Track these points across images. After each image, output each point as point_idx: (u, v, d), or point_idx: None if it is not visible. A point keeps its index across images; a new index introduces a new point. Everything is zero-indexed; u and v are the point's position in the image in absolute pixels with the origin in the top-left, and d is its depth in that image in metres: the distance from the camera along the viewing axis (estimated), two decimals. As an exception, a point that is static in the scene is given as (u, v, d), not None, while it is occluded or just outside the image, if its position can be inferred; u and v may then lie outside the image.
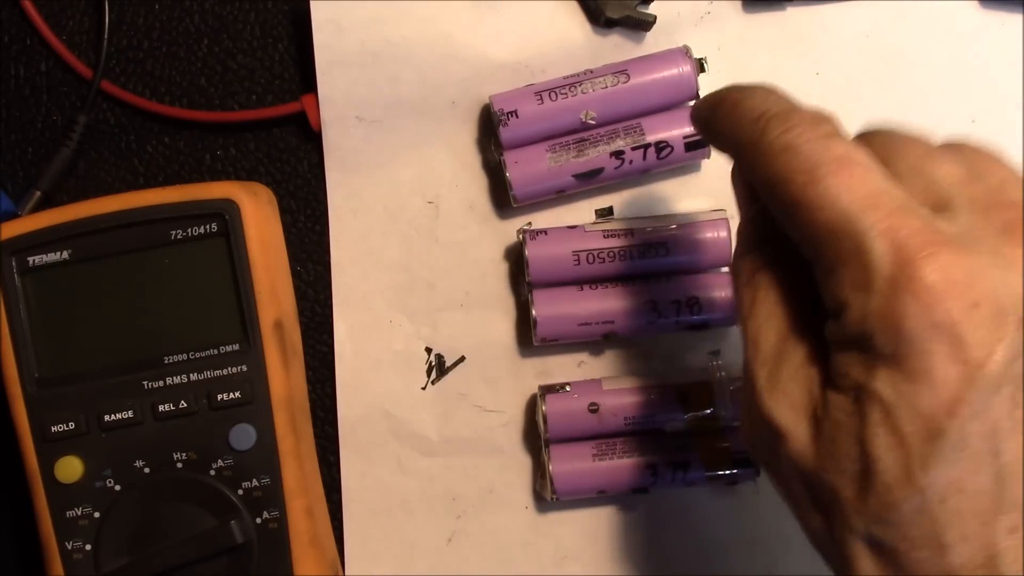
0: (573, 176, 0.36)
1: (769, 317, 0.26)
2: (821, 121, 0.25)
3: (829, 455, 0.24)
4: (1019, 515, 0.23)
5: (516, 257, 0.38)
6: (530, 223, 0.37)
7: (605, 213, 0.37)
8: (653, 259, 0.36)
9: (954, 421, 0.22)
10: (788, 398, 0.25)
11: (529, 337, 0.37)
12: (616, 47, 0.37)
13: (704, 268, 0.36)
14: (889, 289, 0.23)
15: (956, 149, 0.26)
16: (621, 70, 0.36)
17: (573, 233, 0.36)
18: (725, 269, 0.37)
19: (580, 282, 0.37)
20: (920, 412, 0.22)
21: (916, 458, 0.23)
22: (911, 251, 0.23)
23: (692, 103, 0.36)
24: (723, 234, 0.36)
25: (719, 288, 0.36)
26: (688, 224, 0.36)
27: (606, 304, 0.36)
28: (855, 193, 0.24)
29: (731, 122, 0.27)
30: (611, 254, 0.36)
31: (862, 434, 0.23)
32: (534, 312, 0.36)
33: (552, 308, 0.36)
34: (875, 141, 0.26)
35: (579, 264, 0.36)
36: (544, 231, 0.37)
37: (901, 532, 0.23)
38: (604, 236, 0.36)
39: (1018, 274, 0.23)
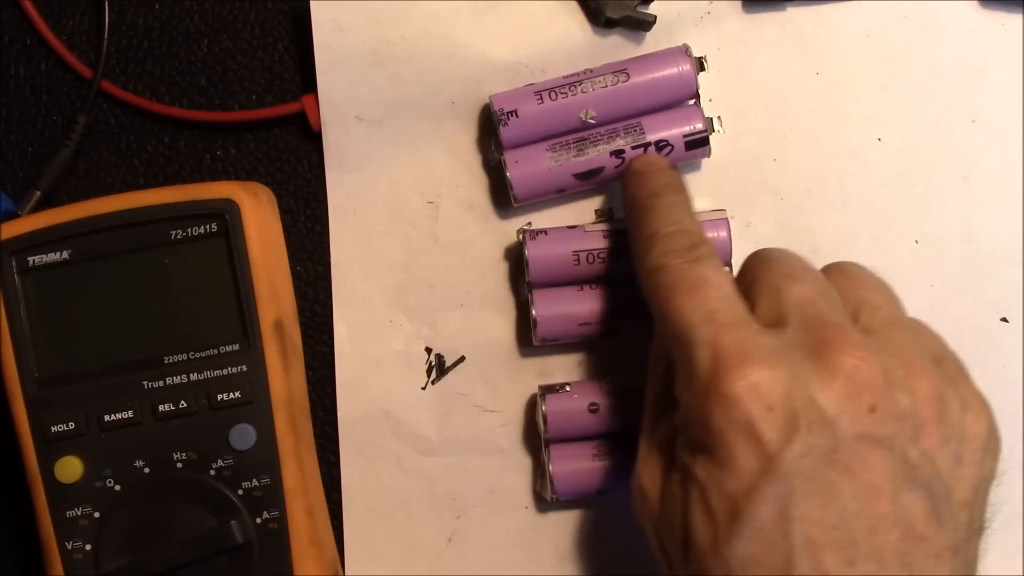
0: (573, 175, 0.36)
1: (655, 399, 0.31)
2: (694, 246, 0.31)
3: (666, 521, 0.29)
4: None
5: (516, 257, 0.38)
6: (530, 223, 0.37)
7: (604, 213, 0.37)
8: None
9: (750, 504, 0.26)
10: (652, 468, 0.30)
11: (529, 337, 0.37)
12: (616, 47, 0.37)
13: None
14: (704, 391, 0.27)
15: (831, 270, 0.31)
16: (621, 69, 0.36)
17: (573, 233, 0.36)
18: (726, 269, 0.36)
19: (580, 282, 0.37)
20: (726, 494, 0.27)
21: (722, 532, 0.27)
22: (724, 361, 0.27)
23: (691, 101, 0.36)
24: (723, 234, 0.36)
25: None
26: None
27: (606, 304, 0.36)
28: (698, 310, 0.29)
29: (631, 224, 0.33)
30: (611, 254, 0.36)
31: (685, 508, 0.28)
32: (534, 312, 0.36)
33: (552, 308, 0.36)
34: (753, 262, 0.31)
35: (579, 264, 0.36)
36: (544, 231, 0.37)
37: None
38: (604, 236, 0.36)
39: (816, 384, 0.27)
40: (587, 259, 0.36)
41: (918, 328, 0.31)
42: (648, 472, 0.30)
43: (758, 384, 0.27)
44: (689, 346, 0.28)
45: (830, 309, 0.28)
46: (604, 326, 0.36)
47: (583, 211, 0.38)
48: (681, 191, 0.34)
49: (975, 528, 0.28)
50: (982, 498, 0.29)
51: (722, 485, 0.27)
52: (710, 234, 0.36)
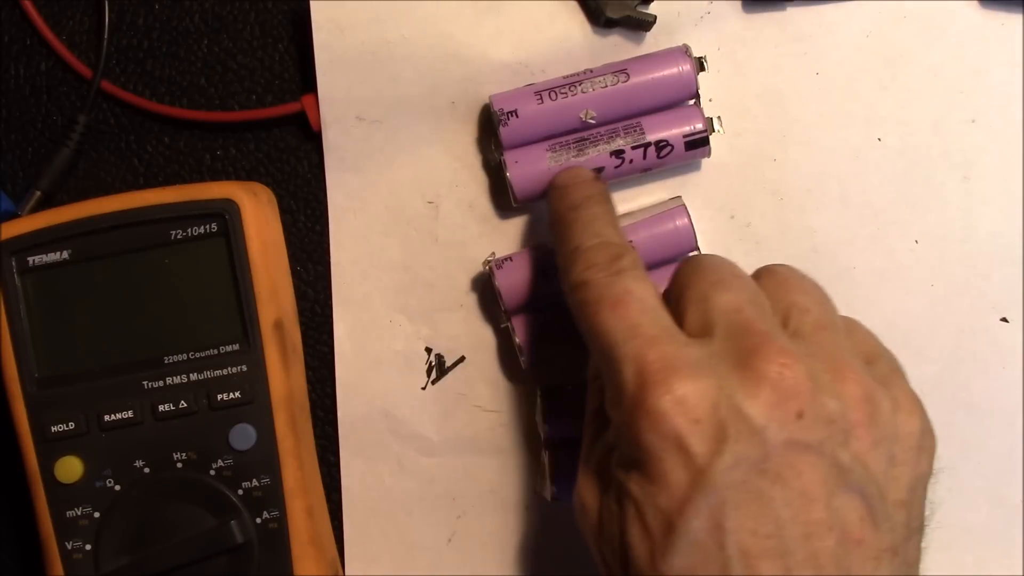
0: (573, 176, 0.36)
1: (593, 415, 0.31)
2: (616, 258, 0.30)
3: (604, 536, 0.29)
4: None
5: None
6: (493, 253, 0.37)
7: None
8: None
9: (683, 518, 0.26)
10: (591, 484, 0.30)
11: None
12: (616, 47, 0.37)
13: (673, 259, 0.36)
14: (631, 406, 0.27)
15: (761, 274, 0.31)
16: (621, 69, 0.36)
17: (537, 252, 0.36)
18: (693, 253, 0.36)
19: (555, 300, 0.36)
20: (660, 509, 0.26)
21: (658, 548, 0.26)
22: (649, 376, 0.27)
23: (690, 101, 0.36)
24: (683, 221, 0.36)
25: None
26: (648, 219, 0.36)
27: None
28: (621, 324, 0.28)
29: (554, 239, 0.33)
30: None
31: (622, 524, 0.28)
32: (518, 340, 0.36)
33: (534, 332, 0.36)
34: (684, 269, 0.31)
35: (550, 283, 0.36)
36: (509, 258, 0.36)
37: None
38: None
39: (742, 393, 0.26)
40: (556, 275, 0.36)
41: (851, 329, 0.30)
42: (588, 488, 0.30)
43: (684, 397, 0.26)
44: (615, 362, 0.28)
45: (757, 316, 0.28)
46: None
47: (543, 226, 0.38)
48: (603, 203, 0.33)
49: (914, 527, 0.28)
50: (919, 497, 0.29)
51: (655, 500, 0.27)
52: (670, 225, 0.36)
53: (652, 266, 0.36)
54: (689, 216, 0.36)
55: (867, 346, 0.30)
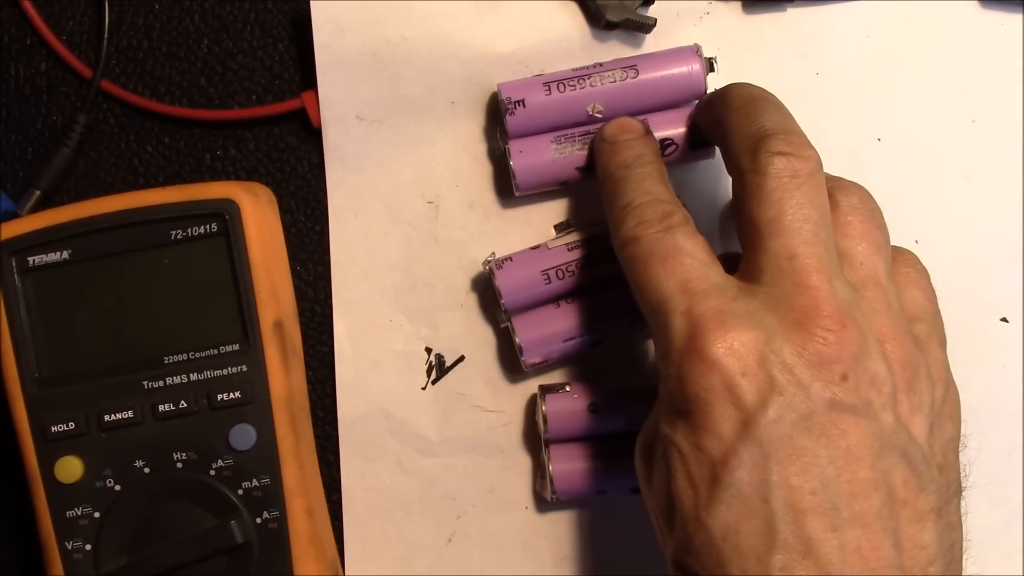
0: (577, 168, 0.36)
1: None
2: (667, 215, 0.30)
3: (652, 490, 0.29)
4: (789, 556, 0.26)
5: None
6: (493, 253, 0.37)
7: (564, 227, 0.37)
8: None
9: (727, 469, 0.26)
10: (644, 438, 0.31)
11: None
12: (616, 49, 0.37)
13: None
14: (680, 359, 0.28)
15: (834, 194, 0.31)
16: (630, 65, 0.36)
17: (537, 253, 0.36)
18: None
19: (555, 299, 0.36)
20: (705, 459, 0.27)
21: (702, 499, 0.27)
22: (700, 327, 0.27)
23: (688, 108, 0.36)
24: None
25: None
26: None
27: (586, 315, 0.36)
28: (672, 279, 0.29)
29: (605, 195, 0.33)
30: (579, 265, 0.36)
31: (669, 476, 0.28)
32: (518, 340, 0.36)
33: (534, 332, 0.36)
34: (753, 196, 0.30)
35: (550, 282, 0.36)
36: (509, 258, 0.36)
37: (698, 561, 0.27)
38: (568, 249, 0.36)
39: (789, 349, 0.27)
40: (557, 275, 0.36)
41: (904, 282, 0.31)
42: (641, 442, 0.31)
43: (734, 348, 0.27)
44: (665, 316, 0.28)
45: (811, 264, 0.28)
46: (589, 337, 0.36)
47: (542, 226, 0.38)
48: (654, 161, 0.34)
49: (952, 491, 0.29)
50: (952, 461, 0.29)
51: (701, 450, 0.27)
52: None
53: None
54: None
55: (913, 303, 0.31)
